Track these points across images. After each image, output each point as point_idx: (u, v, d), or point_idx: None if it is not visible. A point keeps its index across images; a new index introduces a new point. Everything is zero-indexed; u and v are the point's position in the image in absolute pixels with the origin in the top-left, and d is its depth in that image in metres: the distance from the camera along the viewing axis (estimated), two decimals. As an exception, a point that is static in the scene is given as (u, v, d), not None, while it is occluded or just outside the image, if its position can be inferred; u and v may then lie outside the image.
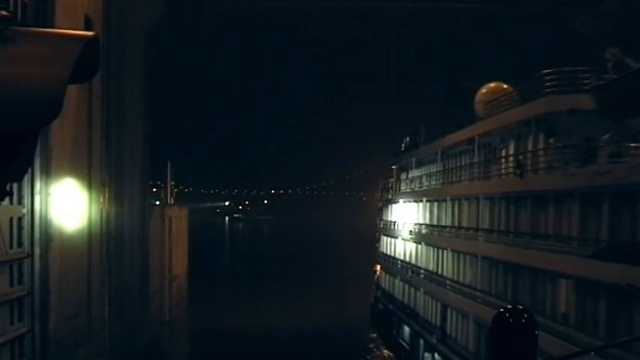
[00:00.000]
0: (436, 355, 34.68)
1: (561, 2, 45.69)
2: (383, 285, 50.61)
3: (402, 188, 47.02)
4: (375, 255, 55.40)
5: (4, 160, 3.04)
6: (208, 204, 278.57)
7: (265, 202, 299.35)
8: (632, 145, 19.85)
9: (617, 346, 15.47)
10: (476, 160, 31.51)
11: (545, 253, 23.04)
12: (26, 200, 25.45)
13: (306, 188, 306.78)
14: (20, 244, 25.33)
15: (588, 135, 22.04)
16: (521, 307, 3.30)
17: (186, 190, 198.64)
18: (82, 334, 30.56)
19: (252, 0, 54.09)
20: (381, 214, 53.39)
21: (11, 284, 24.74)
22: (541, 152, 24.89)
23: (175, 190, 75.80)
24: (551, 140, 24.13)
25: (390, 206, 50.29)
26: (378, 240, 53.86)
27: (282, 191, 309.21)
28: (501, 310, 3.21)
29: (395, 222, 47.66)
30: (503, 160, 28.42)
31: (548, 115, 24.23)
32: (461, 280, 32.07)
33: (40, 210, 26.01)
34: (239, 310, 61.71)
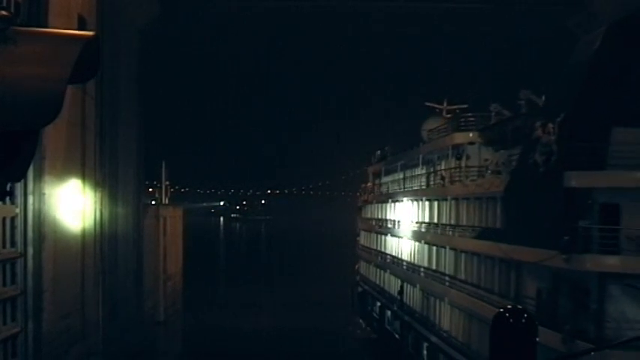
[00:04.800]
0: (395, 320, 45.69)
1: (554, 2, 45.72)
2: (362, 271, 60.91)
3: (376, 191, 57.91)
4: (356, 247, 65.73)
5: (4, 160, 3.04)
6: (204, 204, 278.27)
7: (263, 202, 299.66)
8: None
9: (618, 345, 15.64)
10: (422, 172, 42.91)
11: (454, 237, 34.82)
12: (19, 200, 25.39)
13: (303, 188, 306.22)
14: (13, 244, 25.28)
15: (484, 159, 32.91)
16: (520, 307, 3.34)
17: (182, 190, 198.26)
18: (75, 334, 30.50)
19: (247, 0, 54.03)
20: (360, 212, 65.01)
21: (4, 284, 24.71)
22: (454, 170, 36.52)
23: (171, 190, 75.71)
24: (459, 162, 35.37)
25: (366, 206, 61.84)
26: (359, 234, 64.91)
27: (278, 191, 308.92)
28: (501, 310, 3.25)
29: (370, 219, 59.05)
30: (438, 174, 39.06)
31: (458, 145, 35.88)
32: (412, 260, 43.42)
33: (34, 210, 25.96)
34: (233, 309, 61.69)
